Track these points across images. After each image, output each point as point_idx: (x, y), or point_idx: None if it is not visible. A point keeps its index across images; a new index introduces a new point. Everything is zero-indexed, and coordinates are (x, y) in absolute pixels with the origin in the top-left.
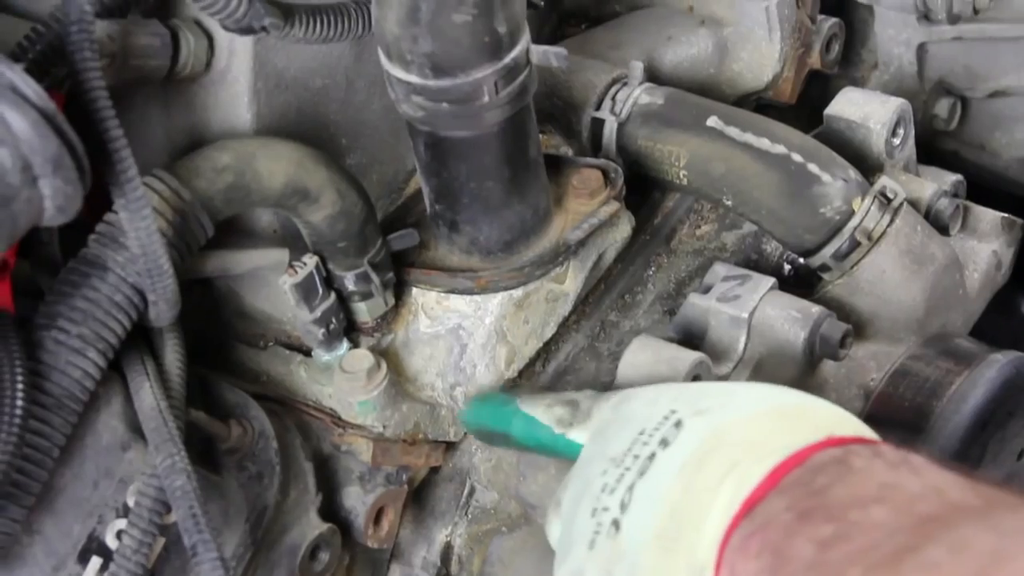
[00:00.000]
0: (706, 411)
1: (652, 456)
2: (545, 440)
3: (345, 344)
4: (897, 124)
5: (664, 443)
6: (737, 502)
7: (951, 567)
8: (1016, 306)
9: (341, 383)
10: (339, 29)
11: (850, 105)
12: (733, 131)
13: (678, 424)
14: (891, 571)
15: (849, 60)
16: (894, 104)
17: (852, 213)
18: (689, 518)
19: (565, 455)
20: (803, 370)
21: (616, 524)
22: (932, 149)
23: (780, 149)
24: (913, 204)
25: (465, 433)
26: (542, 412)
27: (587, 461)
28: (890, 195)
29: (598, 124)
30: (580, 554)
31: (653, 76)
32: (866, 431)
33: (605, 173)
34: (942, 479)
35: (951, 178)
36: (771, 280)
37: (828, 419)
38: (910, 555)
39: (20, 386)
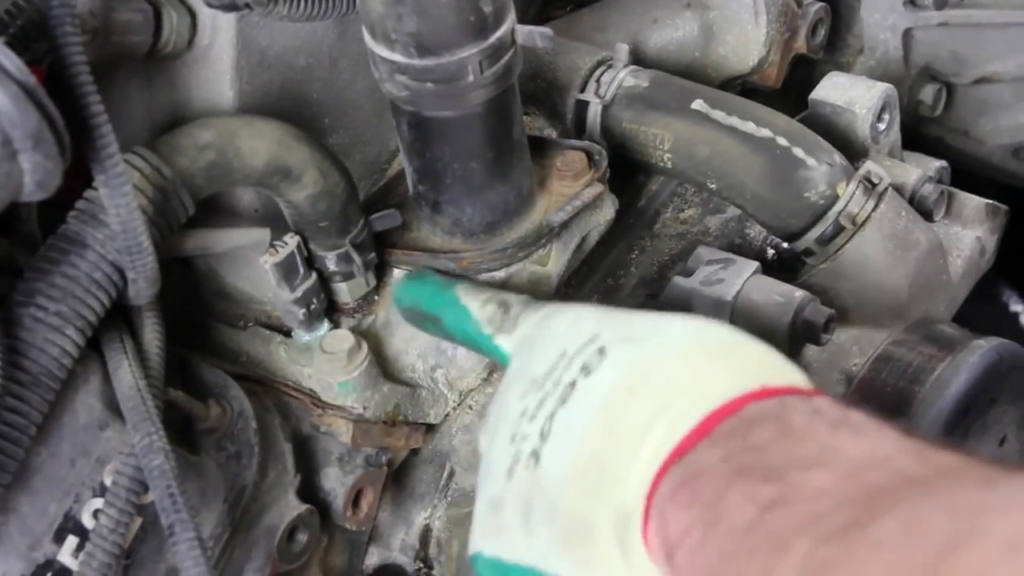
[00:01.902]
0: (632, 339)
1: (573, 384)
2: (473, 336)
3: (326, 324)
4: (882, 109)
5: (586, 370)
6: (666, 448)
7: (904, 548)
8: (998, 293)
9: (321, 364)
10: (323, 7)
11: (835, 90)
12: (718, 114)
13: (601, 351)
14: (841, 547)
15: (835, 45)
16: (880, 89)
17: (836, 198)
18: (614, 460)
19: (492, 357)
20: (786, 354)
21: (535, 455)
22: (917, 135)
23: (765, 133)
24: (898, 189)
25: (446, 416)
26: (476, 307)
27: (509, 379)
28: (875, 180)
29: (582, 106)
30: (498, 482)
31: (638, 59)
32: (801, 379)
33: (589, 155)
34: (886, 443)
35: (935, 164)
36: (755, 264)
37: (763, 364)
38: (859, 531)
39: None
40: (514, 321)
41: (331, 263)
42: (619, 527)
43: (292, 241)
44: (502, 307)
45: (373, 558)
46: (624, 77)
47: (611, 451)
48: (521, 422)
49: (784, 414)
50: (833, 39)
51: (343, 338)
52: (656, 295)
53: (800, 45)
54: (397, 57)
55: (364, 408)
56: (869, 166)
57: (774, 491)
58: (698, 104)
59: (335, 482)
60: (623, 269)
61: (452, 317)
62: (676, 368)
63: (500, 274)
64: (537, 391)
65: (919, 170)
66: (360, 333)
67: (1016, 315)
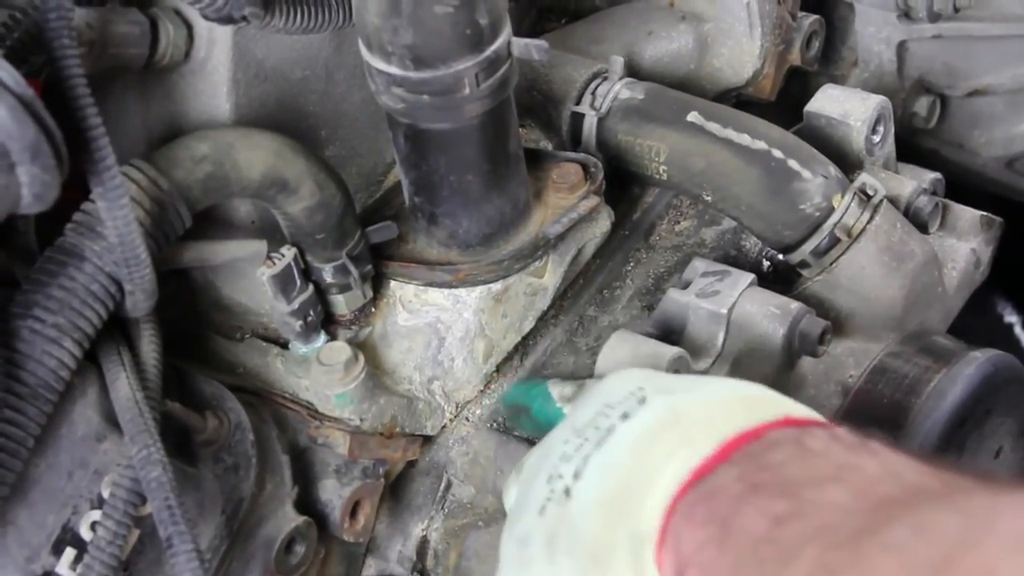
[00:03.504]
0: (671, 391)
1: (611, 428)
2: (551, 415)
3: (322, 336)
4: (877, 121)
5: (625, 416)
6: (685, 472)
7: (915, 549)
8: (992, 304)
9: (318, 376)
10: (319, 19)
11: (830, 102)
12: (714, 127)
13: (642, 400)
14: (851, 552)
15: (829, 57)
16: (874, 101)
17: (832, 210)
18: (636, 488)
19: None
20: (782, 366)
21: (567, 492)
22: (911, 147)
23: (761, 145)
24: (893, 201)
25: (443, 427)
26: (557, 389)
27: (555, 431)
28: (870, 192)
29: (578, 119)
30: (530, 519)
31: (633, 71)
32: (823, 419)
33: (585, 167)
34: (900, 462)
35: (930, 176)
36: (750, 276)
37: (787, 404)
38: (870, 536)
39: None
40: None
41: (328, 275)
42: (633, 550)
43: (289, 253)
44: (577, 385)
45: (370, 570)
46: (619, 89)
47: (635, 480)
48: (559, 464)
49: (802, 438)
50: (827, 51)
51: (340, 350)
52: (652, 307)
53: (795, 57)
54: (393, 69)
55: (361, 420)
56: (864, 178)
57: (787, 506)
58: (693, 116)
59: (332, 494)
60: (619, 281)
61: (538, 403)
62: (706, 410)
63: (496, 286)
64: (577, 437)
65: (914, 182)
66: (357, 345)
67: (1010, 326)
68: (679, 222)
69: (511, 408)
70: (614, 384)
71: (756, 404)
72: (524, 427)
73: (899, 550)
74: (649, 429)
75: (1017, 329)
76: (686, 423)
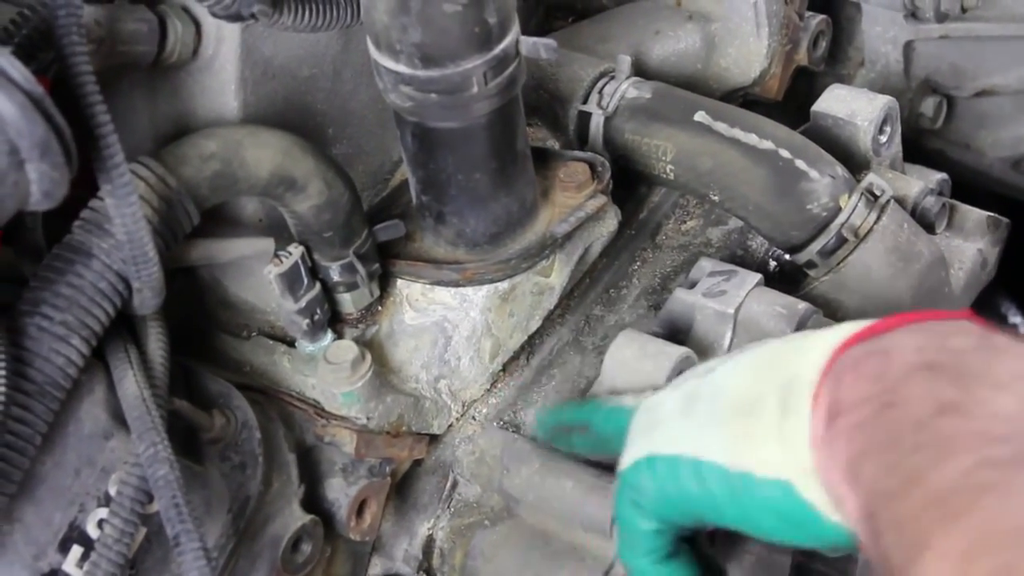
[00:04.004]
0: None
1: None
2: (620, 416)
3: (329, 335)
4: (884, 122)
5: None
6: (855, 328)
7: None
8: (996, 305)
9: (325, 374)
10: (327, 17)
11: (837, 102)
12: (721, 126)
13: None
14: (1002, 475)
15: (836, 57)
16: (881, 101)
17: (839, 210)
18: (795, 350)
19: None
20: None
21: (711, 368)
22: (917, 147)
23: (768, 145)
24: (899, 202)
25: (449, 426)
26: (629, 398)
27: (656, 398)
28: (877, 192)
29: (585, 118)
30: (661, 395)
31: (640, 70)
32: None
33: (592, 167)
34: None
35: (937, 176)
36: (757, 276)
37: None
38: (1022, 471)
39: (2, 373)
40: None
41: (335, 273)
42: (784, 396)
43: (296, 251)
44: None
45: (376, 568)
46: (626, 88)
47: (790, 350)
48: (688, 378)
49: (989, 333)
50: (834, 51)
51: (347, 349)
52: (658, 307)
53: (802, 57)
54: (402, 68)
55: (368, 418)
56: (871, 178)
57: (956, 396)
58: (700, 116)
59: (339, 492)
60: (625, 280)
61: (599, 414)
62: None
63: (503, 285)
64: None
65: (921, 182)
66: (364, 344)
67: (1015, 327)
68: (685, 221)
69: (558, 429)
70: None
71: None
72: (576, 446)
73: None
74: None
75: (1022, 330)
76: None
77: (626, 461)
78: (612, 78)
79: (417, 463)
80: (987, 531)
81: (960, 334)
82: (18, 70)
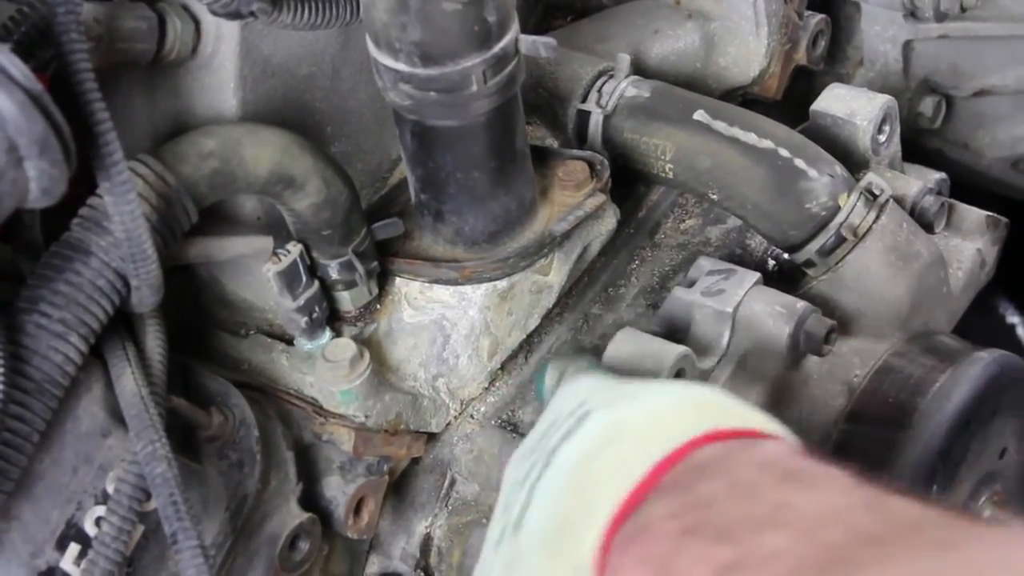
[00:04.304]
0: (613, 403)
1: (554, 450)
2: (543, 401)
3: (328, 333)
4: (883, 121)
5: (567, 436)
6: (618, 503)
7: None
8: (994, 305)
9: (323, 372)
10: (327, 16)
11: (836, 101)
12: (720, 125)
13: (583, 417)
14: None
15: (835, 57)
16: (880, 101)
17: (838, 209)
18: (575, 521)
19: None
20: (787, 365)
21: (517, 525)
22: (916, 147)
23: (767, 144)
24: (898, 201)
25: (447, 425)
26: (549, 373)
27: (516, 450)
28: (876, 191)
29: (584, 116)
30: (488, 555)
31: (639, 69)
32: (762, 423)
33: (591, 165)
34: (839, 495)
35: (935, 176)
36: (756, 275)
37: (720, 410)
38: None
39: (0, 370)
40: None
41: (333, 271)
42: None
43: (295, 249)
44: (562, 371)
45: (374, 567)
46: (625, 87)
47: (575, 513)
48: (513, 491)
49: (731, 465)
50: (833, 51)
51: (345, 347)
52: (657, 305)
53: (801, 56)
54: (401, 66)
55: (366, 417)
56: (870, 178)
57: (728, 554)
58: (700, 115)
59: (337, 491)
60: (624, 279)
61: (539, 385)
62: (641, 425)
63: (502, 283)
64: (527, 459)
65: (919, 182)
66: (362, 342)
67: (1012, 327)
68: (684, 220)
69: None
70: (561, 399)
71: (684, 412)
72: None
73: None
74: (586, 453)
75: (1019, 330)
76: (621, 441)
77: None
78: (611, 77)
79: (415, 461)
80: None
81: (706, 479)
82: (17, 67)
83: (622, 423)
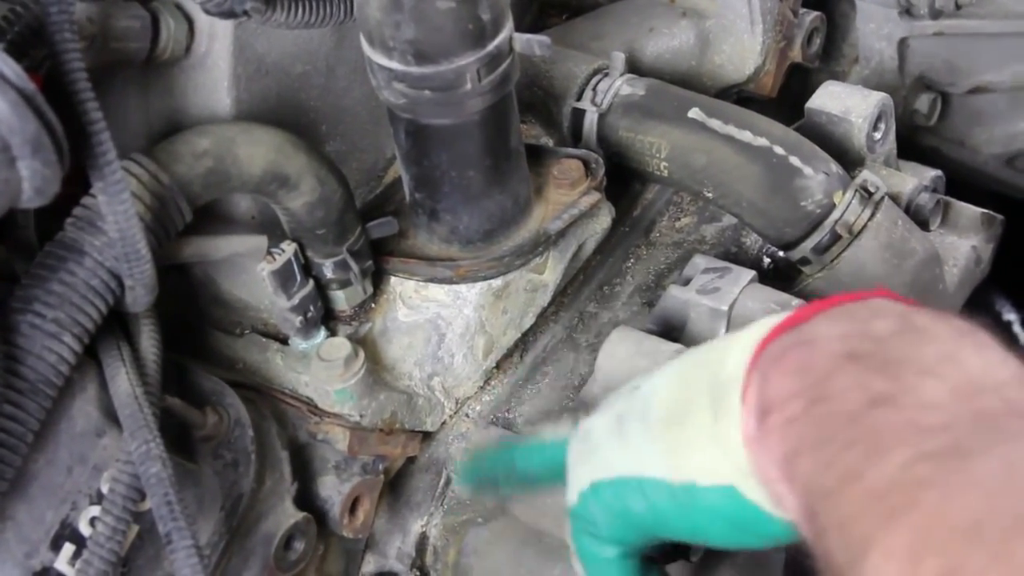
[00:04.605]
0: (654, 375)
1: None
2: (552, 449)
3: (322, 332)
4: (878, 118)
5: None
6: (775, 321)
7: (1000, 489)
8: (990, 302)
9: (318, 371)
10: (320, 14)
11: (832, 99)
12: (715, 123)
13: (636, 386)
14: (939, 470)
15: (830, 54)
16: (876, 98)
17: (833, 206)
18: (715, 353)
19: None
20: None
21: (636, 387)
22: (911, 144)
23: (762, 142)
24: (893, 198)
25: (442, 424)
26: (548, 432)
27: (592, 420)
28: (871, 189)
29: (579, 115)
30: (592, 420)
31: (634, 67)
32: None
33: (586, 164)
34: (1004, 367)
35: (931, 173)
36: (751, 273)
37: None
38: (959, 461)
39: None
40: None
41: (328, 270)
42: (713, 397)
43: (289, 248)
44: (572, 417)
45: (369, 566)
46: (620, 85)
47: (713, 352)
48: (616, 401)
49: (909, 312)
50: (828, 48)
51: (340, 346)
52: (652, 303)
53: (796, 54)
54: (395, 65)
55: (361, 416)
56: (865, 175)
57: (886, 387)
58: (695, 113)
59: (332, 490)
60: (619, 277)
61: (519, 454)
62: (729, 340)
63: (497, 282)
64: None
65: (915, 179)
66: (357, 341)
67: (1009, 324)
68: (679, 219)
69: (480, 480)
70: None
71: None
72: (504, 491)
73: (986, 487)
74: (689, 356)
75: (1016, 327)
76: (733, 338)
77: (571, 494)
78: (606, 75)
79: (410, 460)
80: (930, 528)
81: (881, 317)
82: (10, 67)
83: (700, 360)
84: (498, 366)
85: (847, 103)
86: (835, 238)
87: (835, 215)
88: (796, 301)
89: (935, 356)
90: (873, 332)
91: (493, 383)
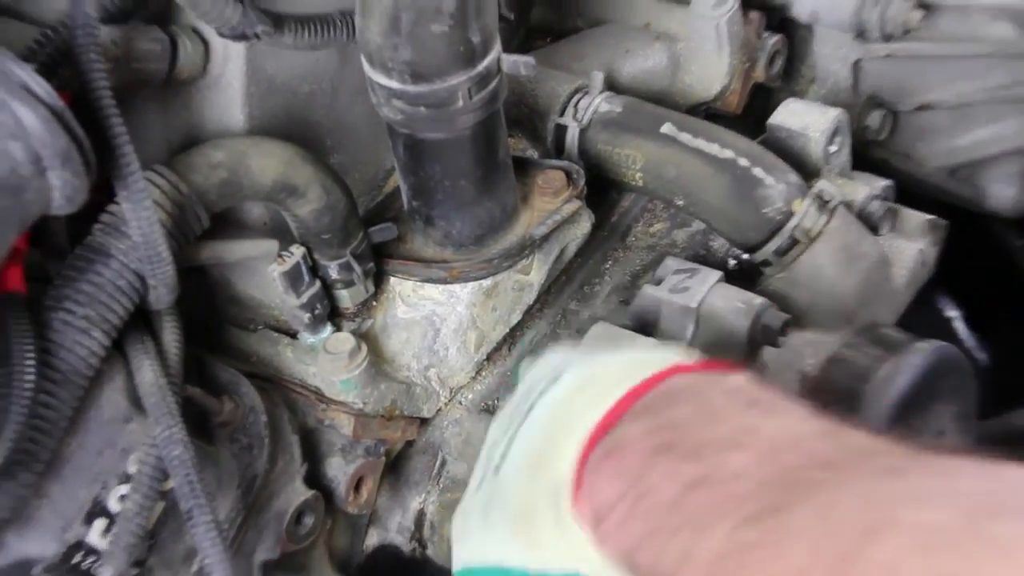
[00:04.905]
0: (586, 362)
1: (532, 406)
2: None
3: (329, 328)
4: (834, 133)
5: (543, 393)
6: (593, 425)
7: (819, 537)
8: (934, 301)
9: (325, 363)
10: (325, 36)
11: (792, 115)
12: (685, 137)
13: (557, 377)
14: (760, 531)
15: (790, 75)
16: (832, 114)
17: (792, 214)
18: (553, 446)
19: None
20: (746, 355)
21: (497, 467)
22: (864, 157)
23: (728, 154)
24: (847, 206)
25: (438, 410)
26: (523, 368)
27: (491, 424)
28: (827, 197)
29: (561, 129)
30: (468, 498)
31: (612, 86)
32: (723, 364)
33: (568, 174)
34: (798, 423)
35: (882, 183)
36: (718, 273)
37: (690, 355)
38: (777, 517)
39: (30, 363)
40: None
41: (333, 272)
42: (553, 500)
43: (298, 252)
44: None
45: (373, 539)
46: (599, 103)
47: (552, 442)
48: (491, 450)
49: (700, 392)
50: (789, 69)
51: (344, 340)
52: (628, 302)
53: (759, 74)
54: (393, 84)
55: (364, 403)
56: (822, 185)
57: (695, 470)
58: (667, 128)
59: (338, 470)
60: (598, 278)
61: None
62: (618, 369)
63: (487, 282)
64: (505, 422)
65: (867, 188)
66: (360, 335)
67: (950, 320)
68: (653, 224)
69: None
70: (536, 369)
71: (658, 355)
72: None
73: (806, 536)
74: (562, 398)
75: (956, 323)
76: (597, 384)
77: (455, 568)
78: (586, 93)
79: (409, 444)
80: None
81: (679, 403)
82: (41, 86)
83: (597, 371)
84: (488, 358)
85: (806, 119)
86: (794, 242)
87: (794, 221)
88: (758, 299)
89: (734, 430)
90: (674, 421)
91: (484, 373)
